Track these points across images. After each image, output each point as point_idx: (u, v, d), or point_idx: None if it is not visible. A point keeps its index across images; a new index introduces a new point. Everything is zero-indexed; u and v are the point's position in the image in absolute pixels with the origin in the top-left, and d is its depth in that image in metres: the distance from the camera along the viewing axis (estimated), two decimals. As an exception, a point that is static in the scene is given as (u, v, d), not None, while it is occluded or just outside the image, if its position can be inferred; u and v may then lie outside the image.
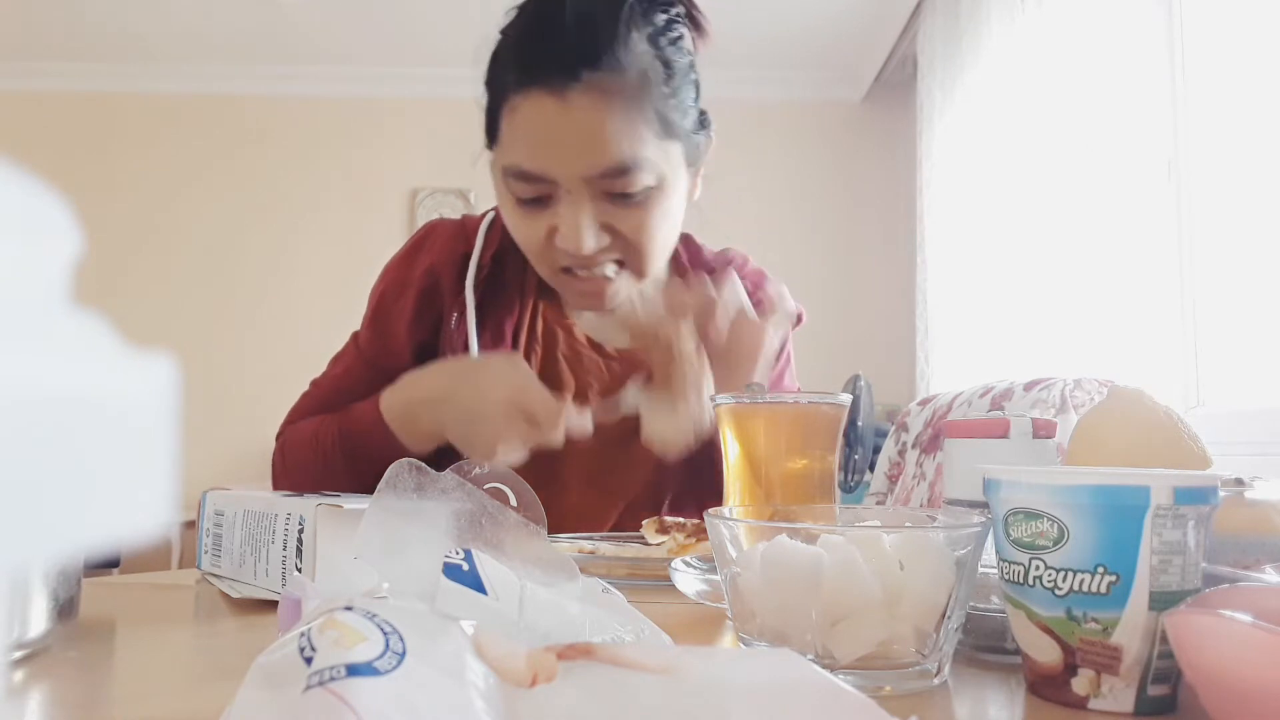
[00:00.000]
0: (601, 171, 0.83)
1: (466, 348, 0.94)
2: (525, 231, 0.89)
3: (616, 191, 0.85)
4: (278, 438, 0.98)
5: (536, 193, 0.86)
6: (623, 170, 0.83)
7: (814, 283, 3.63)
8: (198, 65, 3.70)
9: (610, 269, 0.89)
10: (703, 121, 0.92)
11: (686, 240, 1.09)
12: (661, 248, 0.90)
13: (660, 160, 0.86)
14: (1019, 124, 2.35)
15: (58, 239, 0.14)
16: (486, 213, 1.03)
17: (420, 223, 3.63)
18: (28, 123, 3.74)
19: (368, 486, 0.44)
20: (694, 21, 0.90)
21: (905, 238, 3.29)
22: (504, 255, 1.00)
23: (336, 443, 0.90)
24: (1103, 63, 2.02)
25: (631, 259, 0.89)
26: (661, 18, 0.85)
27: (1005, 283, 2.43)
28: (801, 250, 3.67)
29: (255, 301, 3.72)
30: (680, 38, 0.88)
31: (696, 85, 0.90)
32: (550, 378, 0.98)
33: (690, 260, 1.06)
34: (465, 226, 1.02)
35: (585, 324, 1.01)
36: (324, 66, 3.70)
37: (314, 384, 1.03)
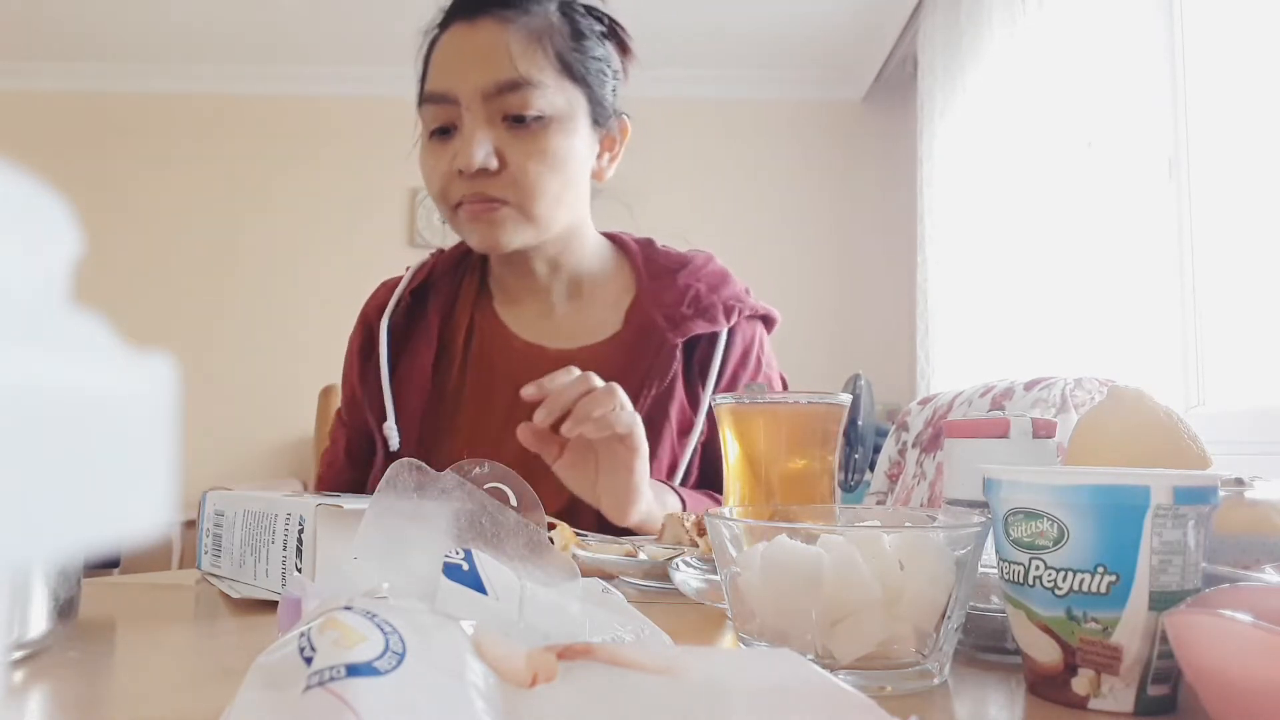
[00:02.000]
0: (496, 84, 0.90)
1: (380, 384, 1.00)
2: (432, 166, 0.95)
3: (511, 113, 0.91)
4: None
5: (443, 119, 0.93)
6: (514, 85, 0.90)
7: (814, 282, 3.63)
8: (197, 65, 3.70)
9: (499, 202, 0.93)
10: (617, 109, 1.00)
11: (645, 244, 1.09)
12: (549, 190, 0.94)
13: (557, 95, 0.93)
14: (1020, 123, 2.35)
15: (58, 239, 0.14)
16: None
17: (420, 223, 3.65)
18: (28, 123, 3.74)
19: None
20: (615, 35, 1.01)
21: (905, 237, 3.29)
22: (428, 288, 1.05)
23: None
24: (1103, 61, 2.02)
25: (517, 194, 0.93)
26: (581, 6, 0.97)
27: (1006, 282, 2.42)
28: (802, 250, 3.67)
29: (255, 301, 3.72)
30: (603, 34, 0.98)
31: (614, 75, 0.99)
32: (485, 390, 1.01)
33: (646, 263, 1.06)
34: (404, 275, 1.08)
35: (524, 330, 1.04)
36: (324, 66, 3.69)
37: (323, 463, 1.10)
